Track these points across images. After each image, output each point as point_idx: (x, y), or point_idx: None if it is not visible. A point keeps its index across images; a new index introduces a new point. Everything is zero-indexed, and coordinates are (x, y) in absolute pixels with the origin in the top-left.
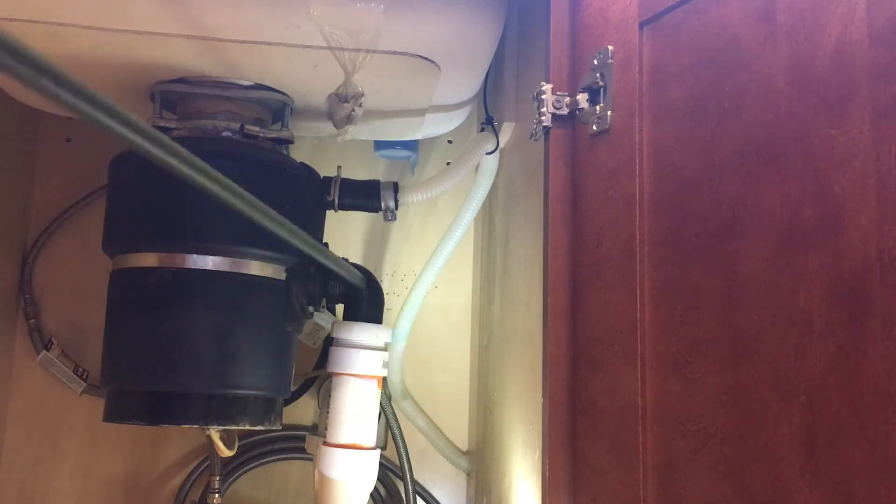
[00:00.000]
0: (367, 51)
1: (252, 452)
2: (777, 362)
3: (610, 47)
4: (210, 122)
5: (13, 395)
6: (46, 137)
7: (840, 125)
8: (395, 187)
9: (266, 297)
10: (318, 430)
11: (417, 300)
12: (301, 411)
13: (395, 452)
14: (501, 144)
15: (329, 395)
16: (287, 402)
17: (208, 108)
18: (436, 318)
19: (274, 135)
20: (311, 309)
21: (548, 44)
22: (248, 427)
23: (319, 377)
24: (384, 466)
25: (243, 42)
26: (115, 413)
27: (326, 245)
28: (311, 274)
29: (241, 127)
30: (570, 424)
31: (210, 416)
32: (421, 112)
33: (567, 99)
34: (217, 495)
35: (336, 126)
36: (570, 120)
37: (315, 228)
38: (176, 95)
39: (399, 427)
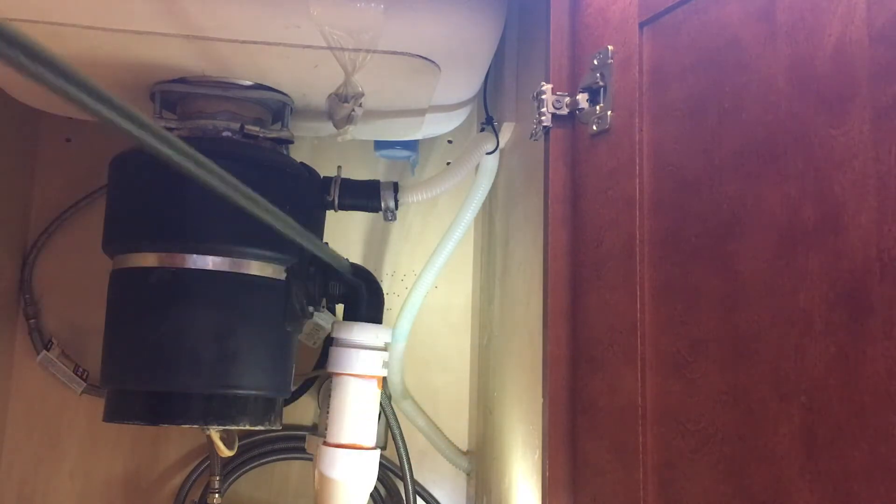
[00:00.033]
0: (367, 51)
1: (252, 452)
2: (777, 362)
3: (610, 47)
4: (210, 122)
5: (13, 395)
6: (46, 137)
7: (840, 125)
8: (395, 187)
9: (266, 297)
10: (318, 430)
11: (417, 300)
12: (301, 411)
13: (395, 452)
14: (501, 144)
15: (329, 395)
16: (287, 402)
17: (208, 108)
18: (436, 318)
19: (274, 135)
20: (311, 309)
21: (548, 44)
22: (248, 427)
23: (319, 377)
24: (384, 466)
25: (243, 42)
26: (115, 413)
27: (326, 245)
28: (311, 274)
29: (241, 127)
30: (570, 424)
31: (210, 416)
32: (421, 112)
33: (567, 99)
34: (217, 495)
35: (336, 126)
36: (570, 120)
37: (315, 228)
38: (176, 95)
39: (399, 427)
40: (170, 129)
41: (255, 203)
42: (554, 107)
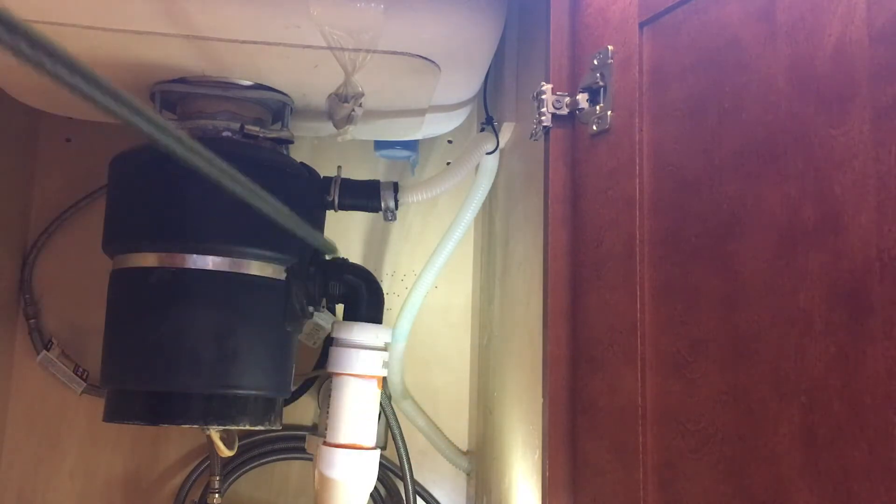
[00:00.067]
0: (367, 51)
1: (252, 452)
2: (777, 362)
3: (610, 47)
4: (210, 122)
5: (13, 395)
6: (46, 137)
7: (840, 125)
8: (395, 187)
9: (266, 297)
10: (318, 430)
11: (417, 300)
12: (301, 411)
13: (395, 452)
14: (501, 144)
15: (329, 395)
16: (287, 402)
17: (208, 108)
18: (436, 318)
19: (274, 135)
20: (311, 309)
21: (548, 44)
22: (248, 427)
23: (319, 377)
24: (384, 466)
25: (243, 42)
26: (115, 413)
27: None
28: (311, 274)
29: (241, 127)
30: (570, 424)
31: (210, 416)
32: (421, 112)
33: (567, 99)
34: (217, 495)
35: (336, 126)
36: (570, 120)
37: (315, 228)
38: (176, 95)
39: (399, 427)
40: None
41: (231, 177)
42: (554, 107)
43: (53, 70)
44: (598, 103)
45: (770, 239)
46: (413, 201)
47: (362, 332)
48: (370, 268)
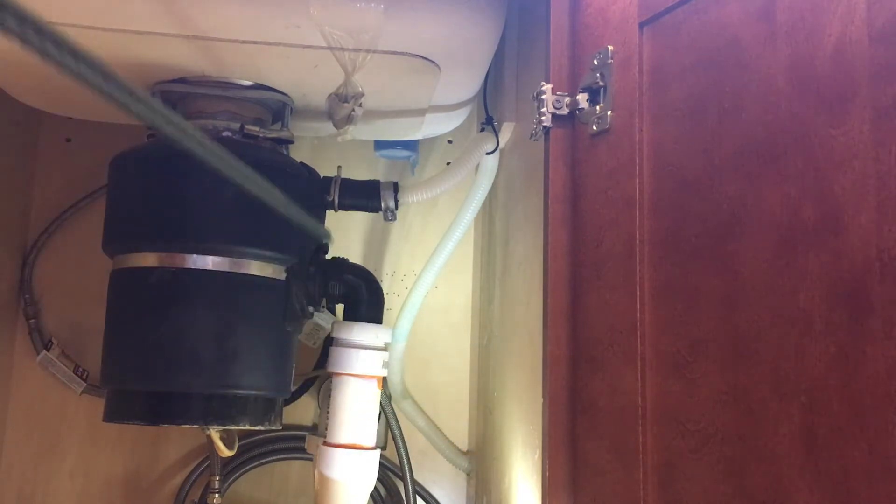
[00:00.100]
0: (367, 51)
1: (252, 452)
2: (777, 362)
3: (610, 47)
4: (210, 122)
5: (13, 395)
6: (46, 137)
7: (840, 125)
8: (395, 187)
9: (266, 297)
10: (318, 430)
11: (417, 300)
12: (301, 411)
13: (395, 452)
14: (501, 144)
15: (329, 395)
16: (287, 402)
17: (208, 108)
18: (436, 318)
19: (274, 135)
20: (311, 309)
21: (548, 44)
22: (248, 427)
23: (319, 377)
24: (384, 466)
25: (243, 42)
26: (115, 413)
27: (326, 245)
28: (311, 274)
29: (241, 127)
30: (570, 424)
31: (210, 416)
32: (421, 112)
33: (567, 99)
34: (217, 495)
35: (336, 126)
36: (570, 120)
37: None
38: (176, 95)
39: (399, 427)
40: None
41: (220, 158)
42: (554, 107)
43: (84, 74)
44: (598, 103)
45: (770, 239)
46: (413, 201)
47: (362, 332)
48: (370, 268)
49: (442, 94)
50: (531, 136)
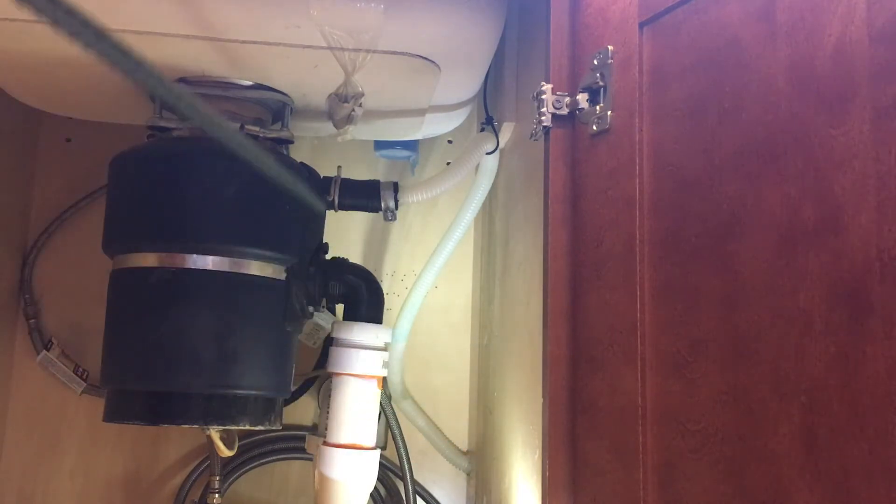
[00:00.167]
0: (367, 51)
1: (252, 452)
2: (777, 362)
3: (610, 47)
4: None
5: (13, 395)
6: (46, 137)
7: (840, 125)
8: (395, 187)
9: (266, 297)
10: (318, 430)
11: (417, 300)
12: (301, 411)
13: (395, 452)
14: (501, 144)
15: (329, 395)
16: (287, 402)
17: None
18: (436, 318)
19: (274, 135)
20: (311, 309)
21: (548, 44)
22: (248, 427)
23: (319, 377)
24: (384, 466)
25: (243, 42)
26: (115, 413)
27: (326, 245)
28: (311, 274)
29: (241, 127)
30: (570, 424)
31: (210, 416)
32: (421, 112)
33: (567, 99)
34: (217, 495)
35: (336, 126)
36: (570, 120)
37: (315, 228)
38: None
39: (399, 427)
40: (170, 129)
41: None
42: (554, 107)
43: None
44: (598, 103)
45: (770, 239)
46: (413, 201)
47: (362, 332)
48: (370, 268)
49: (442, 94)
50: (531, 136)
